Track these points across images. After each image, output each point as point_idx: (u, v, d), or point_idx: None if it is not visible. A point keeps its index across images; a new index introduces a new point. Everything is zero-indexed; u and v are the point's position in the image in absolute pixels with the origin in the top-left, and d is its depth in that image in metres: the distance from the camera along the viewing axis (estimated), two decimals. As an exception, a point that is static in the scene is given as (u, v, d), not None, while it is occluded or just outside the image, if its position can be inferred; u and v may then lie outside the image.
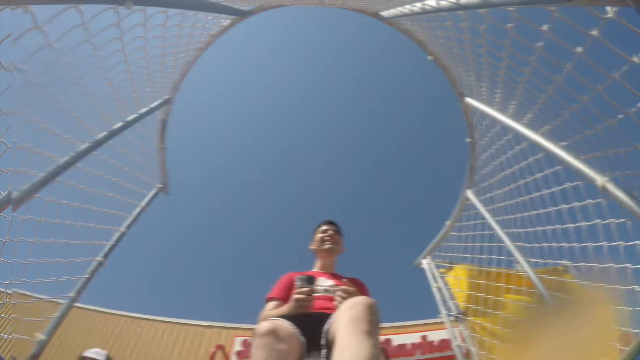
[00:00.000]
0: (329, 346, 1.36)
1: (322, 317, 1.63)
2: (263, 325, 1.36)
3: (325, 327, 1.45)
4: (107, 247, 2.65)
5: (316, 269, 2.31)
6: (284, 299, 1.94)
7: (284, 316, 1.59)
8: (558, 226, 2.11)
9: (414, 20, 2.73)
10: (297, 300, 1.67)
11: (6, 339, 1.94)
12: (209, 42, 3.02)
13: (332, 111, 26.74)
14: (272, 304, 1.97)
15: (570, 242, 2.02)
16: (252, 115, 27.14)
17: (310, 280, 1.76)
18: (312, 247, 2.40)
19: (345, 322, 1.23)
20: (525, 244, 2.50)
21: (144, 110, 2.67)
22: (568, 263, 2.13)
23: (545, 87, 1.75)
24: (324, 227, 2.40)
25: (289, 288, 2.01)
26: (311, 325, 1.55)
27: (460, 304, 3.39)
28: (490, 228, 2.92)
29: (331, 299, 1.88)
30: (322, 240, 2.32)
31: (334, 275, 2.19)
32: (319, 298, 1.86)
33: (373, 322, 1.23)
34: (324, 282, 2.06)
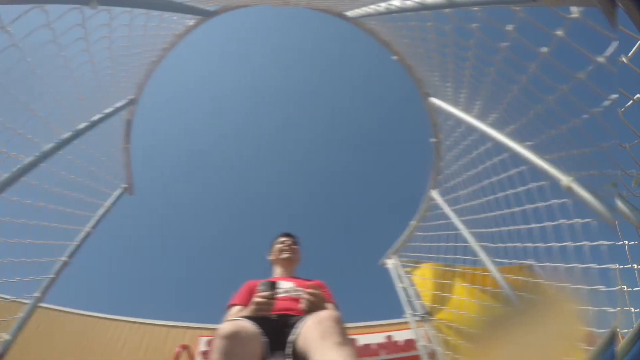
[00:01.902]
0: (296, 357, 1.36)
1: (285, 318, 1.66)
2: (224, 328, 1.33)
3: (291, 336, 1.43)
4: (72, 247, 2.66)
5: (275, 276, 2.30)
6: (246, 305, 1.92)
7: (247, 317, 1.57)
8: (523, 226, 2.13)
9: (379, 20, 2.72)
10: (258, 303, 1.67)
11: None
12: (173, 42, 3.01)
13: (296, 111, 26.68)
14: (234, 309, 1.97)
15: (535, 242, 2.05)
16: (217, 116, 26.70)
17: (273, 285, 1.77)
18: (271, 257, 2.43)
19: (318, 339, 1.24)
20: (490, 244, 2.53)
21: (109, 110, 2.69)
22: (533, 262, 2.16)
23: (511, 87, 1.75)
24: (282, 239, 2.45)
25: (251, 294, 2.01)
26: (273, 326, 1.56)
27: (426, 303, 3.41)
28: (455, 228, 2.94)
29: (292, 300, 1.91)
30: (281, 250, 2.35)
31: (294, 278, 2.22)
32: (280, 299, 1.87)
33: (343, 332, 1.26)
34: (284, 285, 2.07)
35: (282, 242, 2.40)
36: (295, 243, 2.44)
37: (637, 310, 1.62)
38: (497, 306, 2.53)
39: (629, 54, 1.11)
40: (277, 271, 2.33)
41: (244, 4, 3.01)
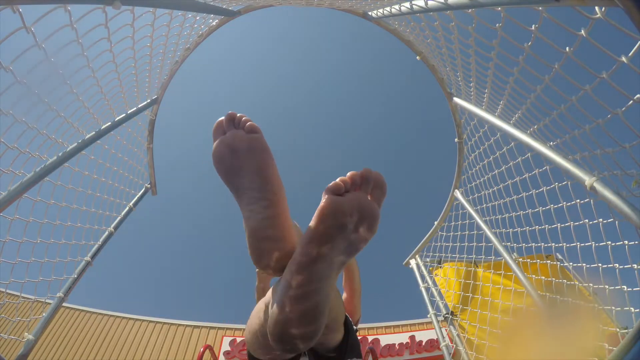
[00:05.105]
0: None
1: None
2: None
3: None
4: (95, 247, 2.65)
5: None
6: None
7: None
8: (546, 226, 2.12)
9: (402, 20, 2.73)
10: None
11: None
12: (197, 42, 3.01)
13: (320, 111, 26.74)
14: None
15: (558, 242, 2.03)
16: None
17: None
18: None
19: None
20: (514, 244, 2.52)
21: (132, 110, 2.68)
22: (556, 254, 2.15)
23: (534, 87, 1.75)
24: None
25: None
26: None
27: (449, 303, 3.40)
28: (479, 228, 2.93)
29: None
30: None
31: None
32: None
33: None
34: None
35: None
36: None
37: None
38: (521, 306, 2.52)
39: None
40: None
41: (267, 5, 3.02)
